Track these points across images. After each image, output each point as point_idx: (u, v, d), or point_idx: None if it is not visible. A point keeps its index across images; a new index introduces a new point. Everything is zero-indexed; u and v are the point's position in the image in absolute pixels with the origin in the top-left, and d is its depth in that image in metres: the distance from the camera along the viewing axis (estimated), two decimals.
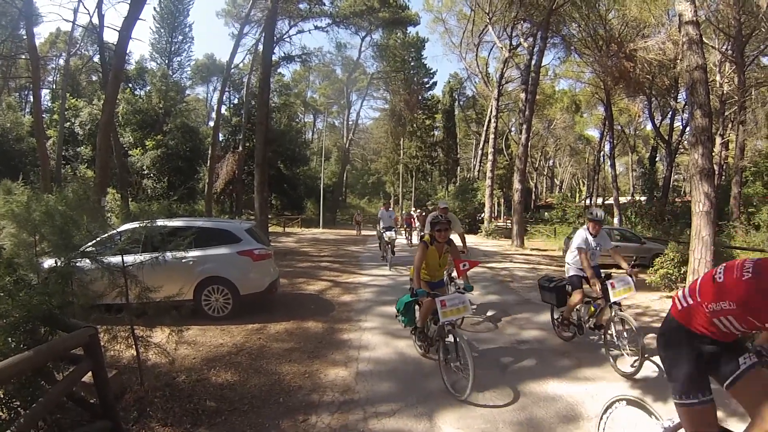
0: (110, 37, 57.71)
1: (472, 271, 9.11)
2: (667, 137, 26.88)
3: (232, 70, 32.28)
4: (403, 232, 20.63)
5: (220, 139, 34.87)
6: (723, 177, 22.43)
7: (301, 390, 4.39)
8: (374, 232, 28.06)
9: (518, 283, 10.84)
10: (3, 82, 36.57)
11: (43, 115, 25.33)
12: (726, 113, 20.81)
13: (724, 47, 19.68)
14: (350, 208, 50.25)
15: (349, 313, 7.52)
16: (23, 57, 28.22)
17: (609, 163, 30.65)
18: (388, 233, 12.89)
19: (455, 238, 6.17)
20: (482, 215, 30.07)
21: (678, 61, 16.90)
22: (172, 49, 46.04)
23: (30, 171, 25.98)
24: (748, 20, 17.74)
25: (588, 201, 38.97)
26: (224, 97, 33.96)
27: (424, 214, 19.53)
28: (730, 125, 21.81)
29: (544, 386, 4.47)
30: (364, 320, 7.05)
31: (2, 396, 2.50)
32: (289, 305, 7.96)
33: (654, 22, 20.80)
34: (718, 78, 19.92)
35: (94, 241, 4.26)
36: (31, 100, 28.93)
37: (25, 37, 21.33)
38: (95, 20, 22.38)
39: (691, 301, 2.25)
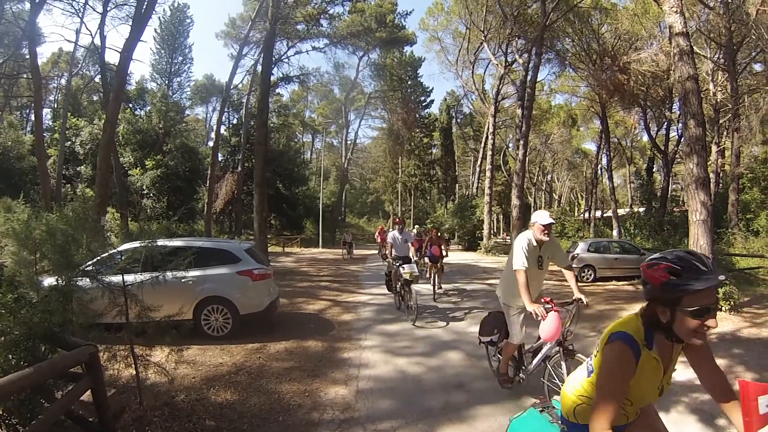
0: (111, 57, 58.47)
1: (466, 286, 8.94)
2: (663, 148, 27.03)
3: (232, 91, 32.61)
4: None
5: (220, 159, 35.06)
6: (720, 184, 22.52)
7: (301, 408, 4.37)
8: (369, 251, 27.65)
9: None
10: (5, 101, 36.95)
11: (44, 134, 25.48)
12: (720, 121, 20.99)
13: (716, 56, 19.93)
14: (349, 227, 50.23)
15: (349, 332, 7.50)
16: (25, 76, 28.60)
17: (607, 176, 30.78)
18: (407, 268, 8.24)
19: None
20: (481, 232, 30.10)
21: (671, 72, 17.11)
22: (172, 69, 46.63)
23: (30, 189, 26.04)
24: (739, 29, 17.99)
25: (587, 214, 39.00)
26: (223, 118, 34.23)
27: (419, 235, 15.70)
28: (725, 133, 21.97)
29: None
30: (364, 339, 7.03)
31: (1, 413, 2.50)
32: (289, 325, 7.93)
33: (646, 35, 21.13)
34: (711, 87, 20.13)
35: (94, 260, 4.28)
36: (33, 119, 29.24)
37: (27, 56, 21.67)
38: (97, 41, 22.86)
39: None
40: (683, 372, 5.12)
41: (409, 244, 9.17)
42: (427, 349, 6.44)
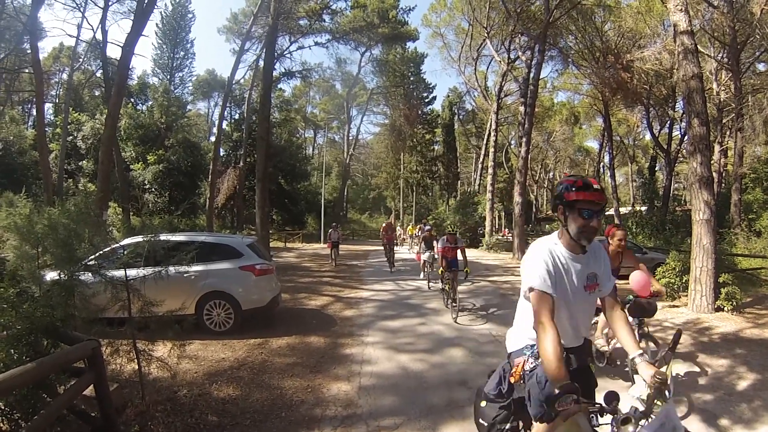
0: (113, 52, 58.38)
1: (471, 285, 8.61)
2: (665, 146, 26.94)
3: (234, 86, 32.55)
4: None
5: (222, 154, 35.01)
6: (723, 184, 22.43)
7: (303, 404, 4.37)
8: (371, 247, 27.48)
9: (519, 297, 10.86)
10: (6, 95, 36.95)
11: (46, 129, 25.47)
12: (724, 121, 20.88)
13: (720, 55, 19.83)
14: (351, 223, 50.05)
15: (351, 328, 7.49)
16: (27, 71, 28.51)
17: (609, 174, 30.72)
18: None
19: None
20: (483, 229, 30.06)
21: (674, 70, 17.04)
22: (174, 64, 46.37)
23: (32, 184, 26.15)
24: (743, 28, 17.90)
25: None
26: (225, 113, 34.12)
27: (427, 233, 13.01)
28: (728, 132, 21.87)
29: None
30: (366, 335, 7.02)
31: (3, 407, 2.50)
32: (291, 320, 7.93)
33: (650, 33, 21.04)
34: (714, 86, 20.03)
35: (96, 255, 4.27)
36: (34, 113, 29.39)
37: (29, 51, 21.64)
38: (99, 36, 22.80)
39: None
40: (686, 371, 5.12)
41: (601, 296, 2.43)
42: (429, 345, 6.43)
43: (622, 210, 31.30)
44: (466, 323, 7.67)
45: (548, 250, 2.26)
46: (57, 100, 39.24)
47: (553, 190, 2.22)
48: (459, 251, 8.49)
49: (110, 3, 22.05)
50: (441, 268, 8.63)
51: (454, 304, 7.93)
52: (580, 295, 2.27)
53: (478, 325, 7.56)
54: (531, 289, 2.15)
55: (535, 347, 2.17)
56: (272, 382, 4.95)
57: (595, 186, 2.16)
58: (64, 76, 38.76)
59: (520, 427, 2.54)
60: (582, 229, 2.15)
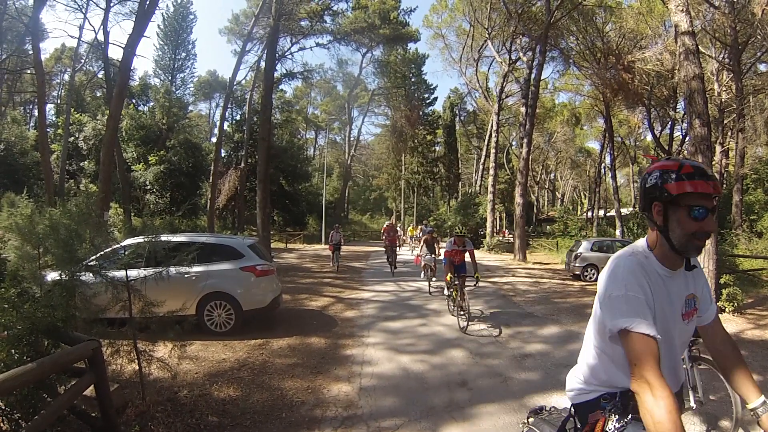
0: (115, 53, 58.71)
1: (472, 287, 8.28)
2: (667, 147, 26.90)
3: (235, 87, 32.53)
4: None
5: (223, 155, 35.04)
6: (724, 185, 22.38)
7: (303, 405, 4.36)
8: (372, 248, 27.50)
9: (521, 297, 10.88)
10: (8, 96, 37.09)
11: (48, 130, 25.59)
12: (725, 121, 20.85)
13: (721, 56, 19.79)
14: (352, 224, 50.05)
15: (352, 329, 7.48)
16: (29, 72, 28.71)
17: (610, 175, 30.68)
18: None
19: None
20: (484, 230, 30.05)
21: (676, 71, 17.02)
22: (176, 65, 46.44)
23: (34, 185, 26.28)
24: (744, 28, 17.88)
25: (590, 213, 38.94)
26: (227, 114, 34.10)
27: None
28: (729, 133, 21.83)
29: (548, 400, 4.42)
30: (367, 336, 7.02)
31: (4, 407, 2.50)
32: (292, 321, 7.93)
33: (651, 34, 21.01)
34: (716, 86, 19.99)
35: (97, 255, 4.28)
36: (36, 114, 29.49)
37: (30, 52, 21.72)
38: (100, 37, 22.80)
39: None
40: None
41: None
42: (430, 346, 6.43)
43: (624, 211, 31.29)
44: (465, 324, 7.65)
45: (641, 268, 1.56)
46: (59, 101, 39.39)
47: (642, 181, 1.61)
48: (468, 254, 8.00)
49: (112, 4, 22.04)
50: (449, 275, 7.76)
51: (462, 312, 7.33)
52: (679, 327, 1.66)
53: (478, 326, 7.55)
54: (625, 331, 1.43)
55: (618, 400, 1.64)
56: (273, 382, 4.95)
57: (709, 172, 1.54)
58: (66, 77, 38.90)
59: None
60: (694, 236, 1.52)
